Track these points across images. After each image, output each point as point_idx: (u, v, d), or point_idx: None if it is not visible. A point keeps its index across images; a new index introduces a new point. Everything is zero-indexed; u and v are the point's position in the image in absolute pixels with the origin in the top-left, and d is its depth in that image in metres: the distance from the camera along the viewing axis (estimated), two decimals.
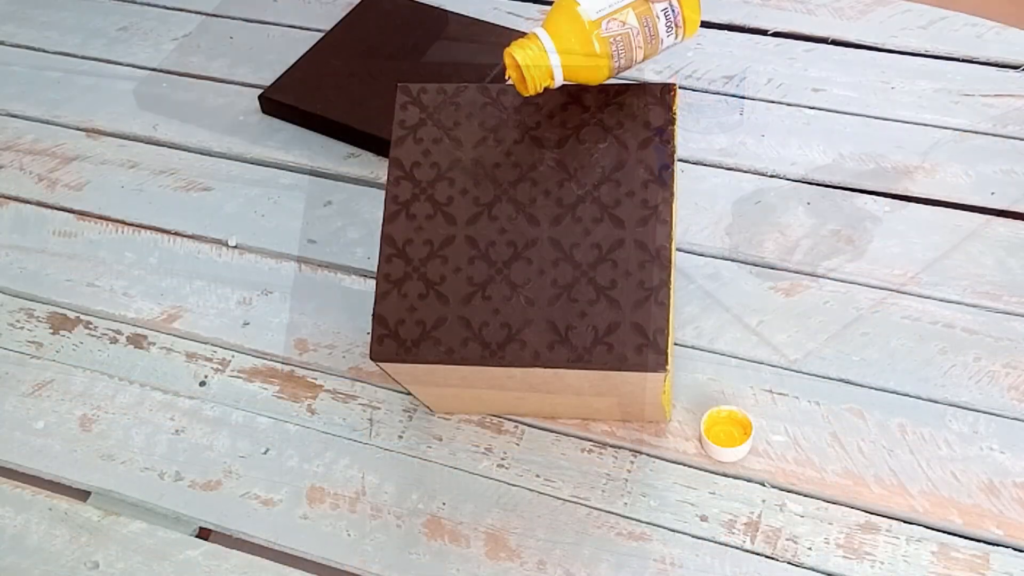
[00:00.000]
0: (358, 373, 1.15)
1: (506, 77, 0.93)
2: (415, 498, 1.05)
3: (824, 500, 1.00)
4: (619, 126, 0.94)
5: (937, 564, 0.95)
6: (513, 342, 0.90)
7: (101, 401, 1.17)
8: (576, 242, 0.92)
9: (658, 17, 0.90)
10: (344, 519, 1.05)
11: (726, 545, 0.99)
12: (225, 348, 1.20)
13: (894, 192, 1.24)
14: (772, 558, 0.98)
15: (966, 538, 0.97)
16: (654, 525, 1.01)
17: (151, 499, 1.08)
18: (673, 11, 0.90)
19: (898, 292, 1.14)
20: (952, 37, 1.40)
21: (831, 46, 1.42)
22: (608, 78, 0.93)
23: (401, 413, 1.12)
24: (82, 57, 1.57)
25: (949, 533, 0.97)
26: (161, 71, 1.53)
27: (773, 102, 1.35)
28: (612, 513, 1.02)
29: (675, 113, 0.94)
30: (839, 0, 1.47)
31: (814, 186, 1.26)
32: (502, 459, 1.07)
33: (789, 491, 1.02)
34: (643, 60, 0.93)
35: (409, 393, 1.10)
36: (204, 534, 1.07)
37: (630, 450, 1.06)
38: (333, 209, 1.31)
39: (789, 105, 1.35)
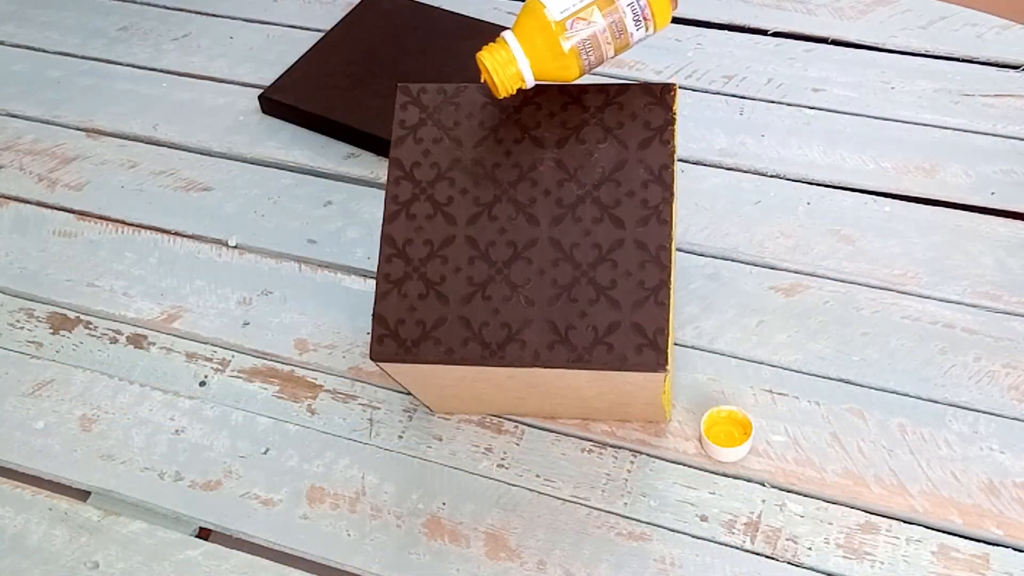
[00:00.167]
0: (358, 373, 1.15)
1: (481, 80, 0.93)
2: (415, 498, 1.05)
3: (824, 500, 1.00)
4: (619, 126, 0.94)
5: (937, 564, 0.95)
6: (513, 342, 0.90)
7: (101, 401, 1.17)
8: (576, 242, 0.92)
9: (624, 12, 0.90)
10: (344, 519, 1.05)
11: (726, 545, 0.99)
12: (225, 348, 1.20)
13: (894, 192, 1.24)
14: (772, 558, 0.98)
15: (966, 538, 0.97)
16: (654, 525, 1.01)
17: (151, 499, 1.08)
18: (640, 4, 0.90)
19: (898, 292, 1.14)
20: (952, 37, 1.40)
21: (831, 46, 1.42)
22: (580, 76, 0.94)
23: (401, 413, 1.12)
24: (82, 57, 1.57)
25: (949, 533, 0.97)
26: (161, 71, 1.53)
27: (773, 102, 1.35)
28: (612, 513, 1.02)
29: (675, 113, 0.94)
30: (839, 0, 1.47)
31: (814, 186, 1.26)
32: (502, 459, 1.07)
33: (789, 491, 1.02)
34: (615, 55, 0.93)
35: (409, 393, 1.10)
36: (204, 534, 1.07)
37: (630, 450, 1.06)
38: (333, 209, 1.31)
39: (789, 105, 1.35)
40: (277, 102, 1.42)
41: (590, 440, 1.07)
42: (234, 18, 1.59)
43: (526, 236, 0.92)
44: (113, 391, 1.17)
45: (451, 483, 1.06)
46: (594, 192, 0.93)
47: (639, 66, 1.42)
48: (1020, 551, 0.96)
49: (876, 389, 1.07)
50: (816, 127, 1.32)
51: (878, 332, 1.11)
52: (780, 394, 1.08)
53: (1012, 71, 1.35)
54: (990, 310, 1.12)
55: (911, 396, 1.06)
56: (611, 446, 1.06)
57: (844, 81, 1.36)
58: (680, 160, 1.29)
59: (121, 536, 1.06)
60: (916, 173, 1.25)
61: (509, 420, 1.10)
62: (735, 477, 1.03)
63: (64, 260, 1.31)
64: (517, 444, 1.08)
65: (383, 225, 0.95)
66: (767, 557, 0.98)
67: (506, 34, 0.92)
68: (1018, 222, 1.19)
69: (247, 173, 1.38)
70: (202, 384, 1.17)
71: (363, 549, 1.03)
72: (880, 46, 1.40)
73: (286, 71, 1.44)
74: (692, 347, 1.13)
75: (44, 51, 1.59)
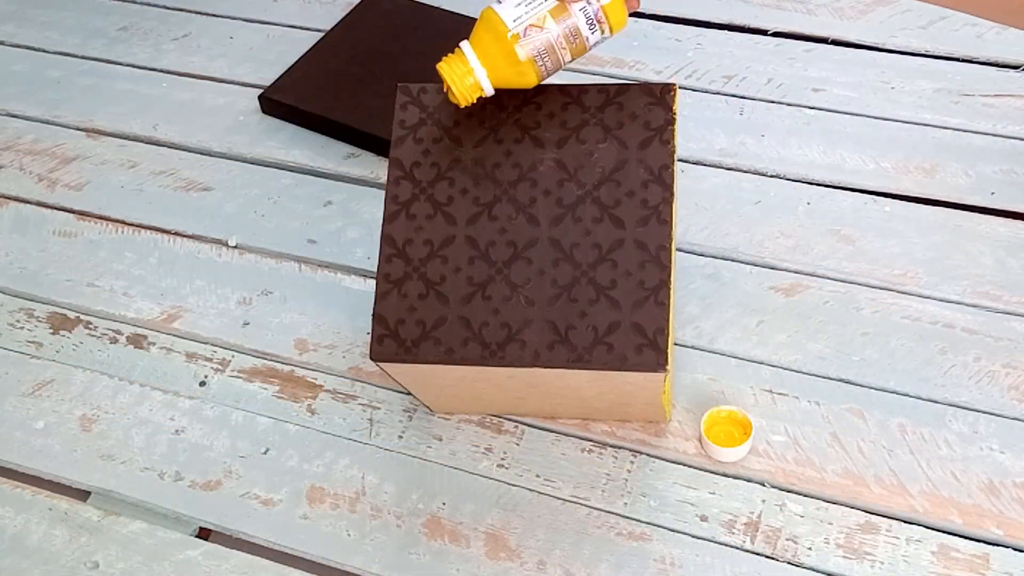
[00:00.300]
0: (358, 373, 1.15)
1: (444, 89, 0.95)
2: (415, 498, 1.05)
3: (824, 500, 1.00)
4: (619, 126, 0.94)
5: (937, 564, 0.95)
6: (513, 342, 0.90)
7: (101, 401, 1.17)
8: (576, 242, 0.92)
9: (577, 18, 0.91)
10: (344, 519, 1.05)
11: (726, 545, 0.99)
12: (225, 348, 1.20)
13: (894, 192, 1.24)
14: (772, 558, 0.98)
15: (966, 538, 0.97)
16: (654, 525, 1.01)
17: (151, 499, 1.08)
18: (592, 9, 0.91)
19: (898, 292, 1.14)
20: (952, 37, 1.40)
21: (831, 46, 1.42)
22: (538, 82, 0.95)
23: (401, 413, 1.12)
24: (82, 57, 1.57)
25: (949, 533, 0.97)
26: (161, 71, 1.53)
27: (773, 102, 1.35)
28: (612, 513, 1.02)
29: (675, 113, 0.94)
30: (839, 0, 1.47)
31: (814, 186, 1.26)
32: (502, 459, 1.07)
33: (789, 491, 1.02)
34: (572, 60, 0.95)
35: (409, 393, 1.10)
36: (204, 534, 1.07)
37: (630, 450, 1.06)
38: (333, 209, 1.31)
39: (789, 105, 1.35)
40: (277, 102, 1.42)
41: (590, 440, 1.07)
42: (234, 18, 1.59)
43: (526, 236, 0.92)
44: (113, 391, 1.17)
45: (451, 483, 1.06)
46: (594, 192, 0.93)
47: (639, 66, 1.42)
48: (1020, 551, 0.96)
49: (876, 389, 1.07)
50: (816, 127, 1.32)
51: (878, 332, 1.11)
52: (780, 394, 1.08)
53: (1012, 71, 1.35)
54: (990, 310, 1.12)
55: (911, 396, 1.06)
56: (611, 446, 1.06)
57: (844, 81, 1.36)
58: (680, 160, 1.29)
59: (121, 536, 1.06)
60: (916, 173, 1.25)
61: (509, 420, 1.10)
62: (735, 477, 1.03)
63: (64, 260, 1.31)
64: (517, 444, 1.08)
65: (383, 225, 0.95)
66: (767, 557, 0.98)
67: (463, 45, 0.93)
68: (1018, 222, 1.19)
69: (247, 173, 1.38)
70: (202, 384, 1.17)
71: (363, 549, 1.03)
72: (880, 46, 1.40)
73: (286, 71, 1.44)
74: (692, 347, 1.13)
75: (44, 51, 1.59)
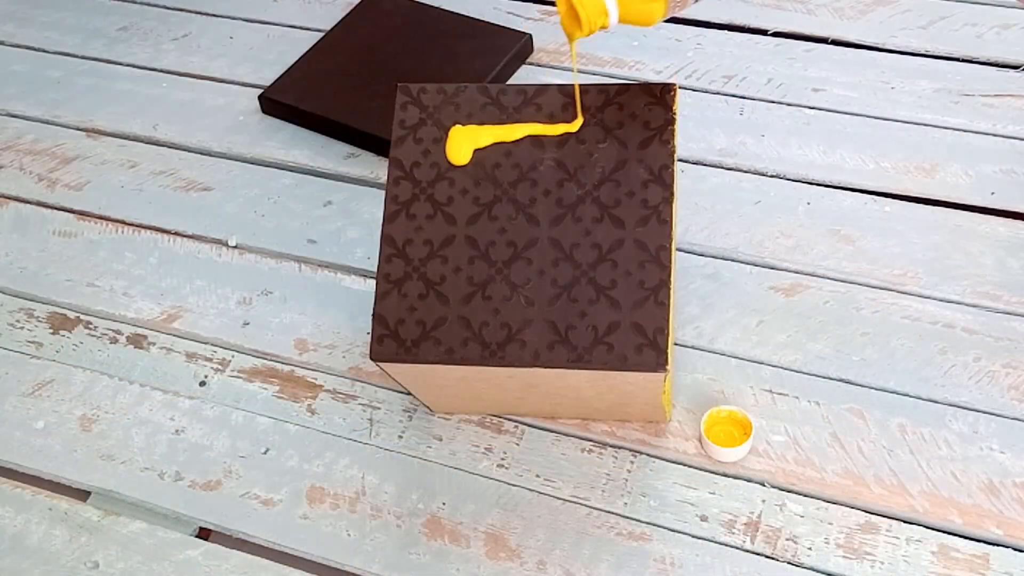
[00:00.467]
0: (358, 373, 1.15)
1: (563, 12, 0.87)
2: (415, 498, 1.05)
3: (824, 500, 1.00)
4: (619, 126, 0.94)
5: (937, 564, 0.95)
6: (513, 342, 0.90)
7: (101, 401, 1.17)
8: (576, 242, 0.92)
9: None
10: (344, 519, 1.05)
11: (726, 545, 0.99)
12: (225, 348, 1.20)
13: (894, 192, 1.24)
14: (772, 558, 0.98)
15: (966, 538, 0.97)
16: (654, 525, 1.01)
17: (151, 499, 1.08)
18: None
19: (898, 292, 1.14)
20: (952, 37, 1.40)
21: (831, 46, 1.42)
22: (662, 18, 0.88)
23: (401, 413, 1.12)
24: (82, 57, 1.57)
25: (949, 533, 0.97)
26: (161, 71, 1.53)
27: (773, 102, 1.35)
28: (612, 513, 1.02)
29: (675, 113, 0.94)
30: (839, 0, 1.47)
31: (814, 186, 1.26)
32: (502, 459, 1.07)
33: (789, 491, 1.02)
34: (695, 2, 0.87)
35: (409, 393, 1.10)
36: (204, 534, 1.07)
37: (630, 450, 1.06)
38: (333, 209, 1.31)
39: (789, 105, 1.35)
40: (277, 102, 1.42)
41: (590, 440, 1.07)
42: (234, 18, 1.59)
43: (526, 236, 0.92)
44: (113, 391, 1.17)
45: (451, 483, 1.06)
46: (594, 192, 0.93)
47: (639, 66, 1.42)
48: (1020, 551, 0.96)
49: (876, 389, 1.07)
50: (816, 127, 1.32)
51: (878, 332, 1.11)
52: (780, 394, 1.08)
53: (1012, 71, 1.35)
54: (990, 310, 1.12)
55: (911, 396, 1.06)
56: (611, 446, 1.06)
57: (844, 81, 1.36)
58: (680, 160, 1.29)
59: (121, 536, 1.06)
60: (916, 173, 1.25)
61: (509, 420, 1.10)
62: (735, 477, 1.03)
63: (64, 260, 1.31)
64: (517, 444, 1.08)
65: (383, 225, 0.95)
66: (767, 557, 0.98)
67: None
68: (1018, 222, 1.19)
69: (247, 173, 1.38)
70: (202, 384, 1.17)
71: (363, 549, 1.03)
72: (880, 46, 1.40)
73: (286, 71, 1.44)
74: (692, 347, 1.13)
75: (44, 51, 1.59)
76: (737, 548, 0.98)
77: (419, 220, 0.94)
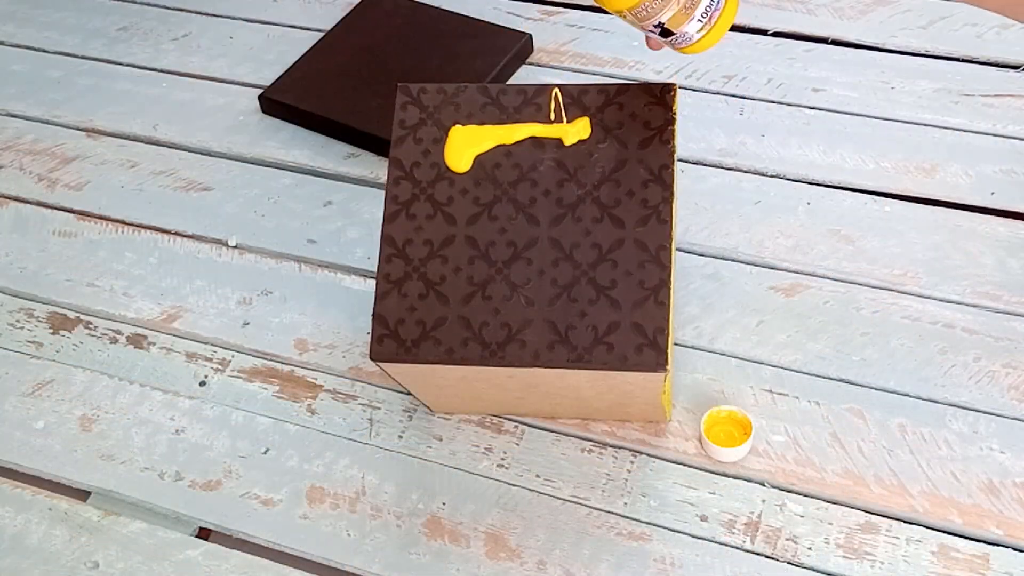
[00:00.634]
0: (358, 373, 1.15)
1: None
2: (415, 498, 1.05)
3: (824, 500, 1.00)
4: (619, 126, 0.94)
5: (937, 564, 0.95)
6: (513, 342, 0.90)
7: (101, 401, 1.17)
8: (576, 242, 0.92)
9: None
10: (344, 519, 1.05)
11: (726, 545, 0.99)
12: (225, 348, 1.20)
13: (894, 192, 1.24)
14: (772, 558, 0.98)
15: (966, 538, 0.97)
16: (654, 525, 1.01)
17: (151, 499, 1.08)
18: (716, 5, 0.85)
19: (898, 292, 1.14)
20: (952, 37, 1.40)
21: (831, 46, 1.42)
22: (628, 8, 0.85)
23: (401, 413, 1.12)
24: (82, 57, 1.57)
25: (949, 533, 0.97)
26: (161, 71, 1.53)
27: (773, 102, 1.35)
28: (612, 513, 1.02)
29: (675, 113, 0.94)
30: (839, 0, 1.47)
31: (814, 186, 1.26)
32: (502, 459, 1.07)
33: (789, 491, 1.02)
34: (667, 21, 0.85)
35: (409, 393, 1.10)
36: (204, 534, 1.07)
37: (630, 450, 1.06)
38: (333, 209, 1.31)
39: (789, 105, 1.35)
40: (277, 102, 1.42)
41: (590, 440, 1.07)
42: (234, 18, 1.59)
43: (526, 236, 0.92)
44: (113, 391, 1.17)
45: (451, 483, 1.06)
46: (594, 192, 0.93)
47: (639, 66, 1.42)
48: (1020, 551, 0.95)
49: (876, 389, 1.07)
50: (816, 127, 1.32)
51: (878, 332, 1.11)
52: (780, 394, 1.08)
53: (1012, 71, 1.35)
54: (990, 310, 1.12)
55: (911, 396, 1.06)
56: (611, 446, 1.06)
57: (844, 81, 1.36)
58: (680, 160, 1.29)
59: (121, 536, 1.06)
60: (916, 173, 1.25)
61: (509, 420, 1.10)
62: (735, 477, 1.03)
63: (64, 260, 1.31)
64: (517, 444, 1.08)
65: (383, 225, 0.95)
66: (767, 557, 0.98)
67: None
68: (1018, 222, 1.19)
69: (247, 173, 1.38)
70: (202, 384, 1.17)
71: (363, 549, 1.03)
72: (880, 46, 1.40)
73: (286, 71, 1.44)
74: (692, 347, 1.13)
75: (44, 51, 1.59)
76: (737, 548, 0.98)
77: (419, 220, 0.94)
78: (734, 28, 1.43)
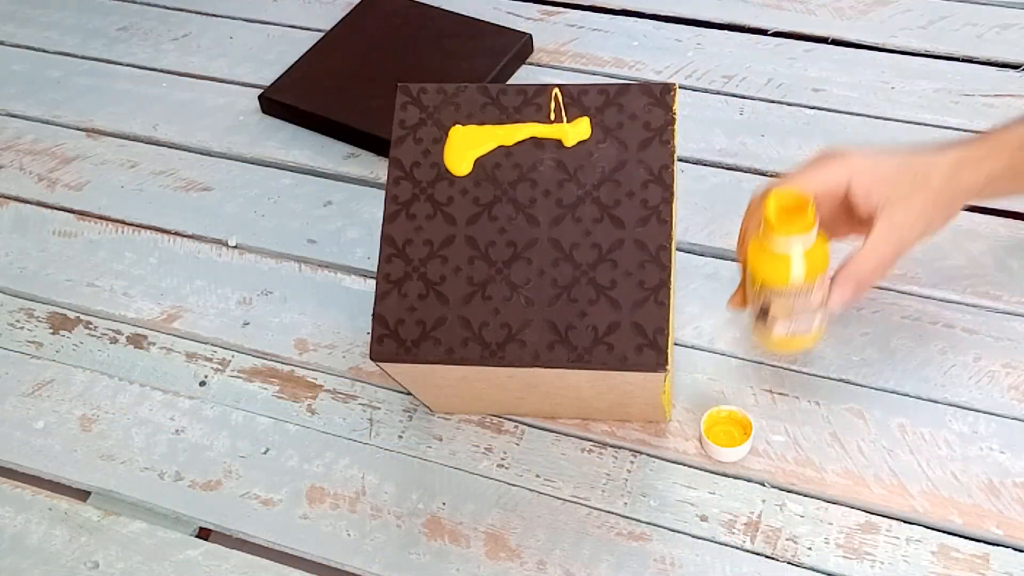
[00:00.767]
0: (358, 373, 1.15)
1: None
2: (415, 498, 1.05)
3: (824, 500, 1.00)
4: (619, 126, 0.94)
5: (937, 564, 0.95)
6: (513, 342, 0.90)
7: (101, 401, 1.17)
8: (576, 242, 0.92)
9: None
10: (344, 519, 1.05)
11: (726, 545, 0.99)
12: (225, 348, 1.20)
13: None
14: (772, 558, 0.98)
15: (966, 538, 0.97)
16: (654, 525, 1.01)
17: (151, 499, 1.08)
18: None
19: (898, 292, 1.14)
20: (952, 37, 1.40)
21: (831, 46, 1.42)
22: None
23: (401, 413, 1.12)
24: (82, 57, 1.57)
25: (949, 533, 0.97)
26: (161, 71, 1.53)
27: (773, 102, 1.35)
28: (612, 513, 1.02)
29: (675, 113, 0.94)
30: (839, 0, 1.47)
31: None
32: (502, 459, 1.07)
33: (789, 491, 1.02)
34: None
35: (409, 393, 1.10)
36: (204, 534, 1.07)
37: (630, 450, 1.06)
38: (333, 209, 1.31)
39: (789, 105, 1.35)
40: (277, 102, 1.42)
41: (590, 440, 1.07)
42: (234, 18, 1.59)
43: (526, 236, 0.93)
44: (113, 391, 1.17)
45: (451, 483, 1.06)
46: (594, 192, 0.93)
47: (639, 66, 1.42)
48: (1020, 551, 0.95)
49: (876, 389, 1.07)
50: (816, 127, 1.32)
51: (878, 332, 1.11)
52: (780, 394, 1.08)
53: (1012, 71, 1.35)
54: (990, 310, 1.12)
55: (911, 396, 1.06)
56: (611, 446, 1.06)
57: (844, 81, 1.36)
58: (680, 160, 1.29)
59: (121, 536, 1.06)
60: None
61: (509, 420, 1.10)
62: (735, 477, 1.03)
63: (64, 260, 1.31)
64: (517, 444, 1.08)
65: (383, 225, 0.95)
66: (767, 557, 0.98)
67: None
68: (1018, 222, 1.19)
69: (247, 173, 1.38)
70: (202, 384, 1.17)
71: (363, 549, 1.03)
72: (880, 46, 1.40)
73: (286, 71, 1.44)
74: (692, 347, 1.13)
75: (44, 51, 1.59)
76: (737, 548, 0.98)
77: (419, 220, 0.94)
78: (734, 28, 1.45)
